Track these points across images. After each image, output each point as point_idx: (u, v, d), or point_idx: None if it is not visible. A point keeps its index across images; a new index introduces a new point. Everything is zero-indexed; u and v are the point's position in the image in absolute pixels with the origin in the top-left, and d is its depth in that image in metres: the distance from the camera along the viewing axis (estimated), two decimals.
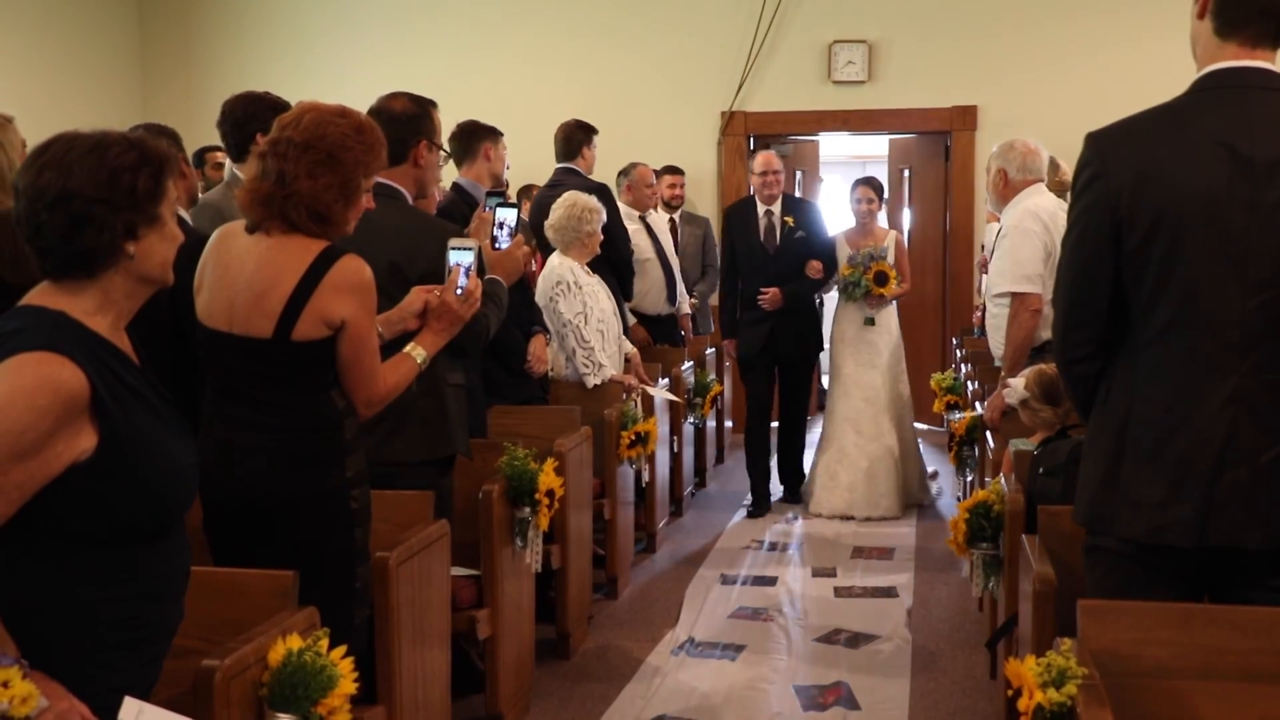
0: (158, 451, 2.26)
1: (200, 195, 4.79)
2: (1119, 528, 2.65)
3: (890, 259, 7.32)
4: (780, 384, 7.59)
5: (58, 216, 2.18)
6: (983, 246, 8.08)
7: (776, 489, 7.71)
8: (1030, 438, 4.22)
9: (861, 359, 7.40)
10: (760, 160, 7.42)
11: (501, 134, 5.14)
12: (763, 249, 7.30)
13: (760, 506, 7.42)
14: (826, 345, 7.66)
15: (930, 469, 7.88)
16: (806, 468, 7.68)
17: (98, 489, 2.18)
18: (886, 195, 8.24)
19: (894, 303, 7.48)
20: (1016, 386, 4.20)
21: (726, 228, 7.58)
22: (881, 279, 7.26)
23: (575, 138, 6.73)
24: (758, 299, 7.24)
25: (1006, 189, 5.00)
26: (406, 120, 3.72)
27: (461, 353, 3.69)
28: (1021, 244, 4.78)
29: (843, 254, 7.37)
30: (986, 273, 8.03)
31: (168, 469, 2.28)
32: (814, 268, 7.24)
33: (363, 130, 2.97)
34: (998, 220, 7.27)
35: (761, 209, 7.35)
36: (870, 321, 7.39)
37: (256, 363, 2.89)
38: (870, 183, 7.54)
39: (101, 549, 2.22)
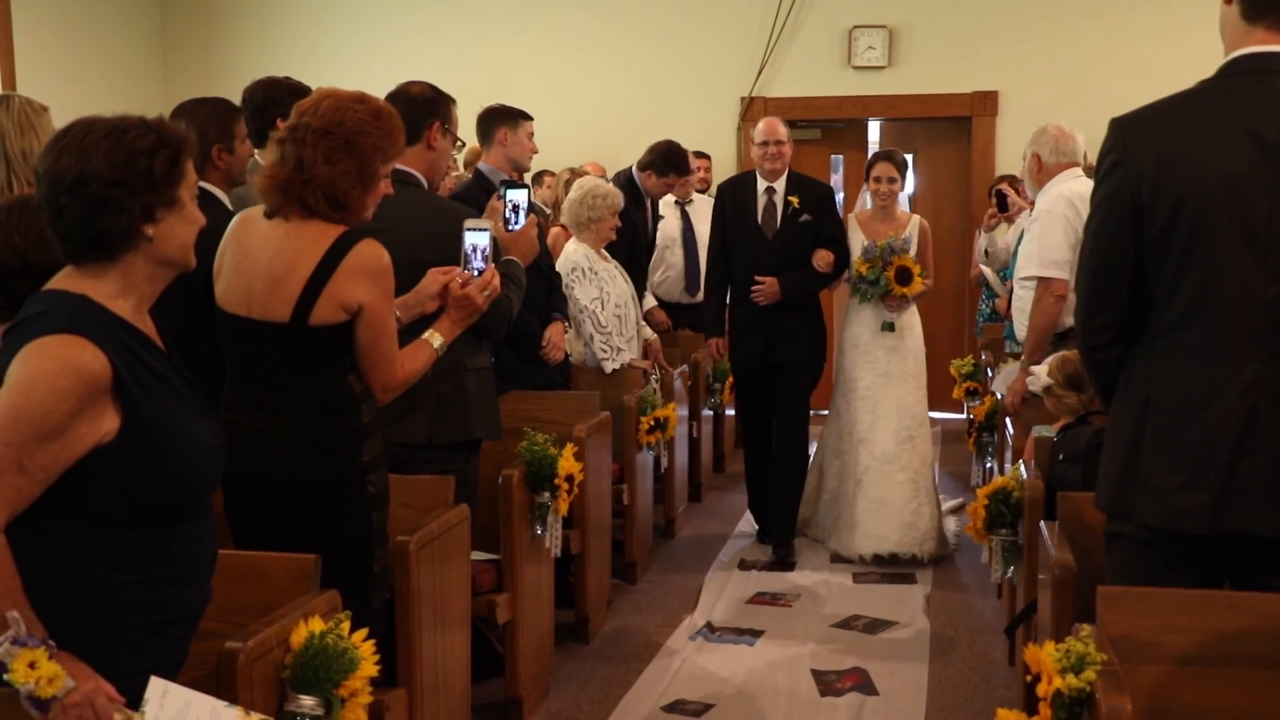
0: (181, 434, 2.28)
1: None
2: (1137, 513, 2.65)
3: (913, 250, 6.07)
4: (778, 400, 6.23)
5: (76, 200, 2.20)
6: (987, 252, 7.74)
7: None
8: (1053, 424, 4.21)
9: (879, 369, 6.12)
10: (763, 127, 6.15)
11: (524, 118, 5.09)
12: (760, 233, 6.08)
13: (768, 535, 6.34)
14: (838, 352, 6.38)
15: (957, 500, 6.87)
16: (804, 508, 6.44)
17: (122, 471, 2.20)
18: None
19: (915, 303, 6.24)
20: (1040, 373, 4.18)
21: (719, 207, 6.34)
22: (904, 277, 5.99)
23: (650, 159, 6.86)
24: (751, 292, 6.04)
25: (1041, 173, 4.97)
26: (423, 102, 3.73)
27: (484, 335, 3.70)
28: (1051, 229, 4.75)
29: (856, 242, 6.12)
30: (981, 274, 7.88)
31: (191, 451, 2.30)
32: (822, 258, 6.01)
33: (381, 116, 2.98)
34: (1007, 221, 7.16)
35: (762, 186, 6.11)
36: (889, 327, 6.11)
37: (274, 347, 2.91)
38: (891, 157, 6.21)
39: (127, 531, 2.24)
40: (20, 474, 2.10)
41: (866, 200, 6.36)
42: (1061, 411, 4.15)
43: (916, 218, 6.28)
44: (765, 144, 6.07)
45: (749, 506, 6.60)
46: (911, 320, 6.24)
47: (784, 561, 6.08)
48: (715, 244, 6.29)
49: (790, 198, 6.07)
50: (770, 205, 6.11)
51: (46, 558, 2.18)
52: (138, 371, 2.23)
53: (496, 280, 3.27)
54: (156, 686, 2.19)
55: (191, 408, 2.34)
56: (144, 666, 2.23)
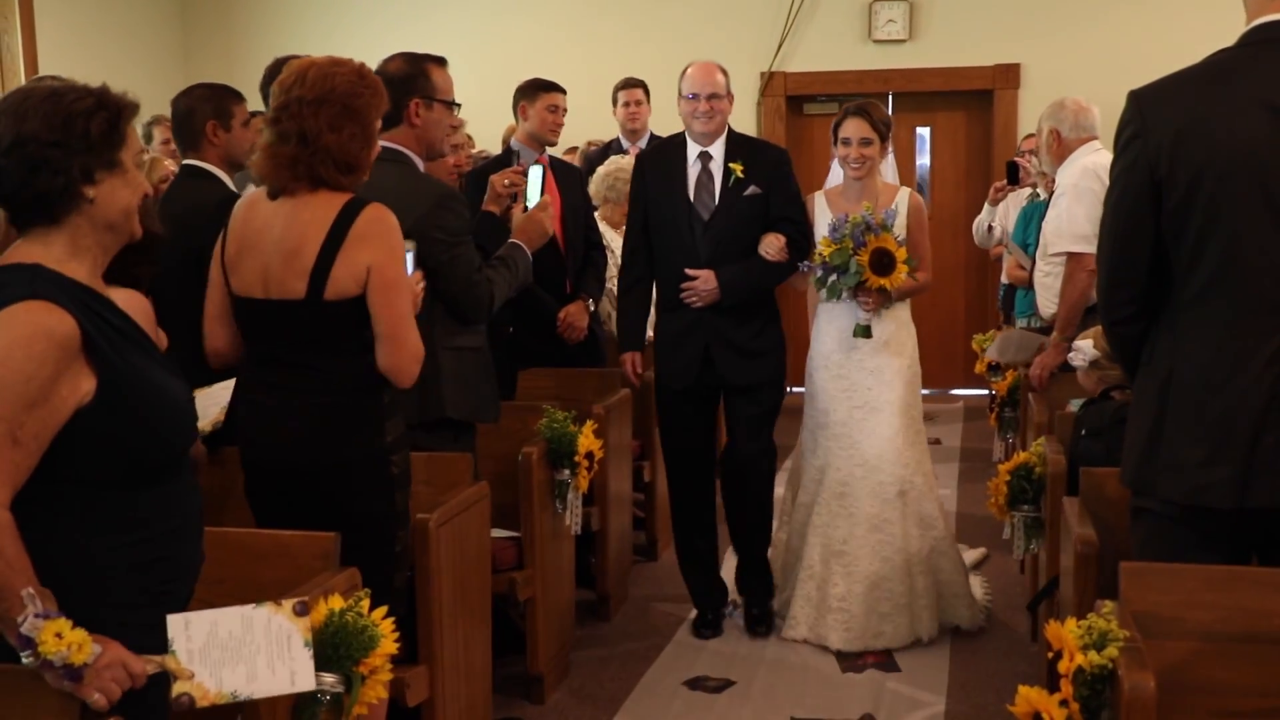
0: (154, 388, 2.29)
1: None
2: (1161, 489, 2.63)
3: (900, 231, 4.57)
4: (728, 432, 4.87)
5: (14, 161, 2.20)
6: (990, 228, 7.42)
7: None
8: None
9: (858, 398, 4.64)
10: (692, 74, 4.64)
11: (545, 90, 5.04)
12: (692, 213, 4.58)
13: (713, 623, 4.82)
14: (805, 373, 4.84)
15: (979, 551, 5.62)
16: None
17: (105, 429, 2.20)
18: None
19: (906, 303, 4.75)
20: (1085, 347, 4.10)
21: (638, 181, 4.79)
22: (883, 262, 4.44)
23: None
24: (681, 290, 4.60)
25: (1060, 148, 4.92)
26: (399, 80, 3.67)
27: (464, 319, 3.67)
28: (1078, 203, 4.70)
29: (822, 221, 4.64)
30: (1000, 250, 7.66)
31: (166, 405, 2.31)
32: (772, 244, 4.51)
33: (364, 75, 3.02)
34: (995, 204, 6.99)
35: (694, 151, 4.62)
36: (864, 332, 4.56)
37: (292, 326, 2.92)
38: (866, 113, 4.61)
39: (117, 492, 2.24)
40: (16, 447, 2.11)
41: (837, 174, 4.88)
42: (1104, 385, 4.08)
43: (906, 190, 4.80)
44: (695, 97, 4.57)
45: (684, 576, 4.95)
46: (899, 330, 4.71)
47: (764, 626, 4.80)
48: (634, 229, 4.74)
49: (732, 164, 4.58)
50: (705, 175, 4.60)
51: (38, 527, 2.16)
52: (104, 330, 2.23)
53: (420, 287, 3.31)
54: (176, 622, 2.20)
55: (159, 364, 2.35)
56: (143, 626, 2.23)
